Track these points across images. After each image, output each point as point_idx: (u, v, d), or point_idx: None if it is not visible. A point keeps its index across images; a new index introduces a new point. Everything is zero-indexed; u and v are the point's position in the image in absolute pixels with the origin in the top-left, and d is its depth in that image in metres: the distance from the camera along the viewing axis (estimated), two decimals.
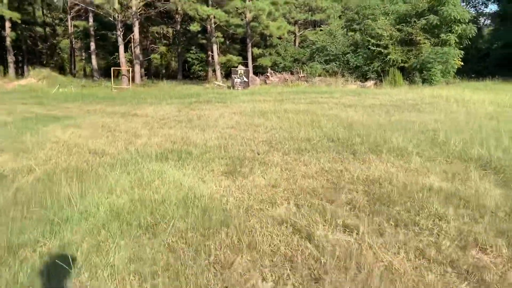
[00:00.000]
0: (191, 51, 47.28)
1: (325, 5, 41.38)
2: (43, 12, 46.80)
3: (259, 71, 34.33)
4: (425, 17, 23.93)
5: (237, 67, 27.20)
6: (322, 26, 41.73)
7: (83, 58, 53.42)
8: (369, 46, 25.69)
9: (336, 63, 27.71)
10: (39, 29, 48.66)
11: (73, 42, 41.12)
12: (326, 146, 6.53)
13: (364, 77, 26.93)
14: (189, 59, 48.00)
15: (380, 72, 25.67)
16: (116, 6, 23.73)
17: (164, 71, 59.04)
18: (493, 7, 36.88)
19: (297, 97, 17.30)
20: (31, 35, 46.59)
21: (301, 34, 42.68)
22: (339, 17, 43.81)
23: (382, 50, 25.11)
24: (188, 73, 49.79)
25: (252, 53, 33.98)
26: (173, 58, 55.66)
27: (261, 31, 33.98)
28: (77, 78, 39.22)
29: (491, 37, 32.35)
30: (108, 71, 38.47)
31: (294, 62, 32.73)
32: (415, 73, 23.80)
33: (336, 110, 11.77)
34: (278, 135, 7.71)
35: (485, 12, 34.00)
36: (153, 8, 50.11)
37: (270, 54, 38.00)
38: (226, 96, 19.04)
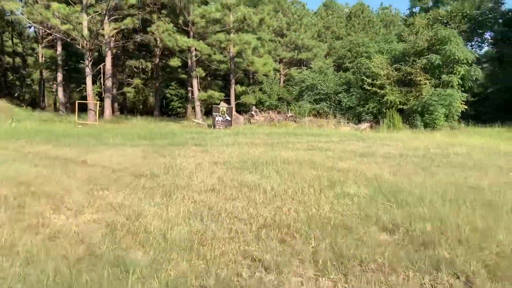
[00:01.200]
0: (170, 87, 44.80)
1: (312, 44, 39.97)
2: (12, 41, 43.82)
3: (242, 109, 31.89)
4: (425, 57, 22.04)
5: (219, 104, 24.62)
6: (308, 65, 40.24)
7: (53, 90, 50.27)
8: (364, 86, 23.57)
9: (327, 103, 25.46)
10: (8, 59, 45.60)
11: (43, 73, 38.05)
12: (388, 251, 3.61)
13: (357, 119, 24.66)
14: (168, 95, 45.45)
15: (376, 114, 23.45)
16: (85, 33, 21.05)
17: (141, 106, 56.29)
18: (485, 49, 35.84)
19: (290, 140, 14.62)
20: None
21: (286, 73, 40.90)
22: (325, 56, 42.52)
23: (378, 90, 22.99)
24: (166, 109, 47.11)
25: (235, 90, 31.60)
26: (151, 94, 53.03)
27: (245, 67, 31.77)
28: (45, 111, 35.99)
29: (488, 80, 30.95)
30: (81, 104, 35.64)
31: (279, 100, 30.45)
32: (416, 116, 21.58)
33: (349, 162, 9.04)
34: (287, 209, 4.86)
35: (480, 54, 32.67)
36: (130, 40, 47.92)
37: (253, 91, 35.76)
38: (206, 137, 16.24)
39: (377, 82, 23.07)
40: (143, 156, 10.07)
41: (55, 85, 48.56)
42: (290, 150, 11.56)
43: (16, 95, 49.28)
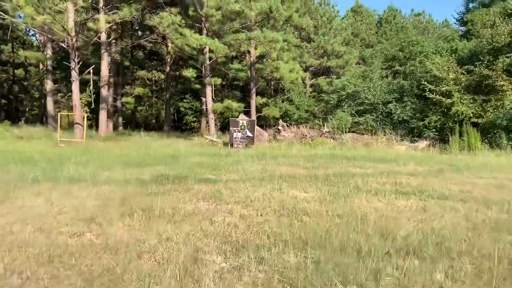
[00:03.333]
0: (184, 100, 40.29)
1: (343, 50, 35.06)
2: (13, 50, 40.10)
3: (263, 123, 26.95)
4: (509, 55, 16.77)
5: (237, 116, 19.74)
6: (337, 74, 35.21)
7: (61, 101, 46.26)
8: (425, 94, 18.38)
9: (373, 115, 20.27)
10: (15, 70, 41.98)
11: (44, 83, 33.94)
12: None
13: (412, 135, 19.42)
14: (182, 109, 40.89)
15: (440, 129, 18.19)
16: (69, 26, 16.50)
17: (154, 121, 52.00)
18: None
19: (351, 171, 9.58)
20: None
21: (312, 82, 35.95)
22: (357, 64, 37.44)
23: (443, 99, 17.76)
24: (180, 124, 42.57)
25: (255, 101, 26.74)
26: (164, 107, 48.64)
27: (268, 74, 26.96)
28: (43, 125, 31.74)
29: None
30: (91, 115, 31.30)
31: (306, 113, 25.36)
32: (499, 132, 16.23)
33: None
34: None
35: None
36: (136, 46, 43.74)
37: (276, 104, 30.78)
38: (219, 162, 11.33)
39: (441, 89, 17.85)
40: (102, 208, 5.19)
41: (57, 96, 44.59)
42: (374, 196, 6.55)
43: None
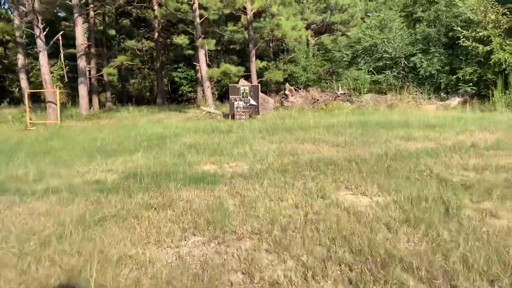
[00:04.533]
0: (178, 69, 37.16)
1: (346, 3, 31.59)
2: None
3: (264, 89, 24.03)
4: None
5: (237, 82, 16.91)
6: (342, 30, 31.89)
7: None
8: (456, 42, 15.49)
9: (393, 71, 17.40)
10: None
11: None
12: None
13: (440, 91, 16.66)
14: (177, 79, 37.77)
15: (477, 83, 15.42)
16: None
17: (148, 94, 48.95)
18: None
19: (404, 145, 6.96)
20: None
21: (316, 41, 32.67)
22: (362, 19, 34.02)
23: (480, 47, 14.87)
24: (176, 95, 39.64)
25: (255, 65, 23.73)
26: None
27: (268, 33, 23.84)
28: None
29: None
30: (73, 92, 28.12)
31: (315, 75, 22.35)
32: None
33: None
34: None
35: None
36: (127, 16, 40.15)
37: (277, 67, 27.68)
38: (219, 143, 8.68)
39: (477, 34, 14.94)
40: None
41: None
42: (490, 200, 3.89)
43: None
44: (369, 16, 30.24)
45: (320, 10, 31.97)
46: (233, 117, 15.08)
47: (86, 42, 20.02)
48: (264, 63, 26.78)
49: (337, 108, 15.80)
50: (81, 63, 18.35)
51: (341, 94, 17.17)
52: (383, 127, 9.76)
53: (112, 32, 36.51)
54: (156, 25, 29.74)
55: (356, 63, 18.33)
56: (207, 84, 18.14)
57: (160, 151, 8.06)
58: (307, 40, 31.40)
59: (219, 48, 31.57)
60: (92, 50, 23.47)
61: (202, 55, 17.92)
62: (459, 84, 15.34)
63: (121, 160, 7.35)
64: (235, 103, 15.25)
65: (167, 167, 6.24)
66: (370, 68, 17.55)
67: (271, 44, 33.22)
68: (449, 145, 6.70)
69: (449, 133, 8.26)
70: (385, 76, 17.39)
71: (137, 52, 42.01)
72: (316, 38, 33.15)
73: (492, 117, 11.39)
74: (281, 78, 24.17)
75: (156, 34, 30.17)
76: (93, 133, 12.45)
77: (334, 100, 17.05)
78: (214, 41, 18.95)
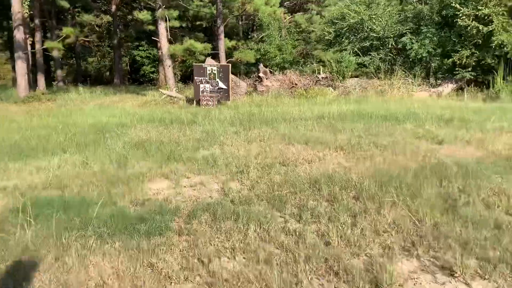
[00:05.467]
0: (140, 47, 34.02)
1: None
2: None
3: (234, 71, 21.61)
4: None
5: (204, 61, 14.49)
6: (318, 10, 29.73)
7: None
8: (450, 20, 13.73)
9: (381, 53, 15.49)
10: None
11: None
12: None
13: (432, 77, 14.94)
14: (138, 58, 34.62)
15: (474, 68, 13.74)
16: None
17: (108, 73, 45.32)
18: None
19: (430, 147, 4.92)
20: None
21: (290, 20, 30.35)
22: None
23: (480, 27, 13.12)
24: (137, 76, 36.54)
25: (224, 44, 21.27)
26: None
27: (239, 7, 21.41)
28: None
29: None
30: None
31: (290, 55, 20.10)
32: None
33: None
34: None
35: None
36: None
37: (248, 47, 25.28)
38: (178, 141, 6.44)
39: (477, 12, 13.17)
40: None
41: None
42: None
43: None
44: None
45: None
46: (198, 102, 12.73)
47: (27, 11, 16.92)
48: (234, 42, 24.33)
49: (319, 94, 13.74)
50: (18, 34, 15.35)
51: (322, 78, 15.11)
52: (387, 120, 7.77)
53: (65, 3, 32.87)
54: None
55: (339, 42, 16.22)
56: (167, 62, 15.58)
57: (95, 153, 5.74)
58: (279, 19, 29.03)
59: (184, 25, 28.74)
60: (36, 21, 20.27)
61: (162, 28, 15.31)
62: (456, 69, 13.55)
63: (31, 167, 5.00)
64: (201, 86, 12.90)
65: (89, 189, 3.97)
66: (355, 49, 15.51)
67: (241, 22, 30.80)
68: (505, 155, 4.74)
69: (480, 131, 6.33)
70: (371, 59, 15.44)
71: (96, 28, 38.46)
72: (290, 17, 30.77)
73: (505, 107, 9.64)
74: (253, 58, 21.83)
75: (114, 7, 27.03)
76: (21, 121, 9.86)
77: (315, 84, 14.98)
78: (177, 12, 16.28)
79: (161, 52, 16.63)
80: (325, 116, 8.61)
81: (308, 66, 18.28)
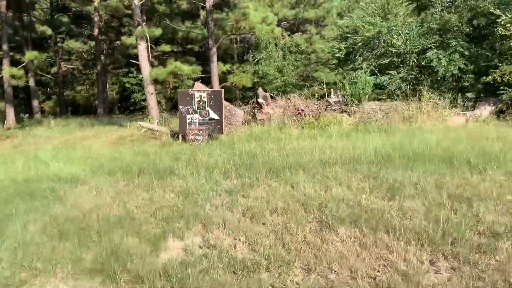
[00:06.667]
0: (129, 74, 31.79)
1: None
2: None
3: (228, 97, 19.11)
4: None
5: (192, 86, 12.04)
6: (317, 29, 27.64)
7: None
8: (482, 32, 11.42)
9: (402, 70, 13.08)
10: None
11: None
12: None
13: (465, 98, 12.53)
14: (128, 85, 32.28)
15: None
16: None
17: (96, 102, 43.03)
18: None
19: None
20: None
21: (287, 41, 28.24)
22: (339, 14, 29.80)
23: None
24: (128, 103, 34.15)
25: (217, 68, 18.92)
26: (115, 85, 39.45)
27: (233, 25, 19.18)
28: None
29: None
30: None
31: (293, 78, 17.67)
32: None
33: None
34: None
35: None
36: (65, 11, 34.45)
37: (244, 71, 22.98)
38: (139, 220, 3.75)
39: None
40: None
41: None
42: None
43: None
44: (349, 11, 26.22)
45: (292, 4, 27.72)
46: (184, 137, 10.17)
47: None
48: (228, 66, 22.06)
49: (332, 122, 11.23)
50: None
51: (334, 102, 12.62)
52: (453, 165, 5.21)
53: (47, 29, 30.81)
54: (96, 19, 24.41)
55: (352, 61, 13.79)
56: (149, 89, 13.05)
57: None
58: (277, 38, 26.87)
59: (175, 49, 26.56)
60: (4, 46, 17.87)
61: (142, 49, 12.85)
62: (501, 87, 11.08)
63: None
64: (188, 116, 10.36)
65: None
66: (371, 67, 13.08)
67: (235, 45, 28.74)
68: None
69: None
70: (390, 78, 13.02)
71: (84, 55, 36.38)
72: (288, 37, 28.65)
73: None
74: (249, 82, 19.48)
75: (97, 30, 24.82)
76: None
77: (325, 110, 12.49)
78: (160, 30, 13.85)
79: (141, 76, 14.17)
80: (356, 157, 6.05)
81: (310, 89, 15.94)
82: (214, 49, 18.01)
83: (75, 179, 5.83)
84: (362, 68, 12.88)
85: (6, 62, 17.59)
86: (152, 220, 3.86)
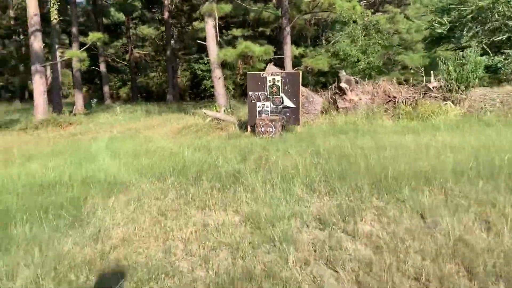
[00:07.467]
0: (200, 61, 31.05)
1: None
2: None
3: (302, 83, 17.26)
4: None
5: (264, 69, 10.48)
6: (400, 8, 24.75)
7: None
8: None
9: None
10: None
11: None
12: None
13: None
14: (198, 71, 31.57)
15: None
16: None
17: (168, 89, 43.36)
18: None
19: None
20: None
21: (370, 19, 25.61)
22: None
23: None
24: (199, 90, 33.65)
25: (290, 50, 17.19)
26: (187, 73, 39.41)
27: (310, 3, 17.22)
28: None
29: None
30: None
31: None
32: None
33: None
34: None
35: None
36: None
37: (317, 55, 20.91)
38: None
39: None
40: None
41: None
42: None
43: None
44: None
45: None
46: (253, 129, 8.64)
47: (55, 16, 14.03)
48: (301, 49, 20.21)
49: (434, 112, 9.07)
50: (35, 43, 12.34)
51: (434, 88, 10.36)
52: None
53: (120, 16, 30.99)
54: (166, 2, 23.66)
55: (457, 37, 11.33)
56: (216, 73, 11.68)
57: None
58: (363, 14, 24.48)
59: (246, 33, 25.18)
60: (74, 29, 17.52)
61: (210, 28, 11.48)
62: None
63: None
64: (258, 104, 8.80)
65: None
66: (482, 45, 10.56)
67: (311, 24, 26.76)
68: None
69: None
70: (506, 59, 10.45)
71: (156, 40, 36.43)
72: (370, 15, 26.05)
73: None
74: (326, 66, 17.54)
75: (167, 13, 24.09)
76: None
77: (423, 97, 10.29)
78: (229, 6, 12.34)
79: (208, 59, 12.84)
80: (507, 164, 4.09)
81: (391, 74, 13.74)
82: (288, 29, 16.29)
83: (113, 184, 4.51)
84: (471, 46, 10.40)
85: (75, 45, 17.26)
86: (201, 276, 2.32)
